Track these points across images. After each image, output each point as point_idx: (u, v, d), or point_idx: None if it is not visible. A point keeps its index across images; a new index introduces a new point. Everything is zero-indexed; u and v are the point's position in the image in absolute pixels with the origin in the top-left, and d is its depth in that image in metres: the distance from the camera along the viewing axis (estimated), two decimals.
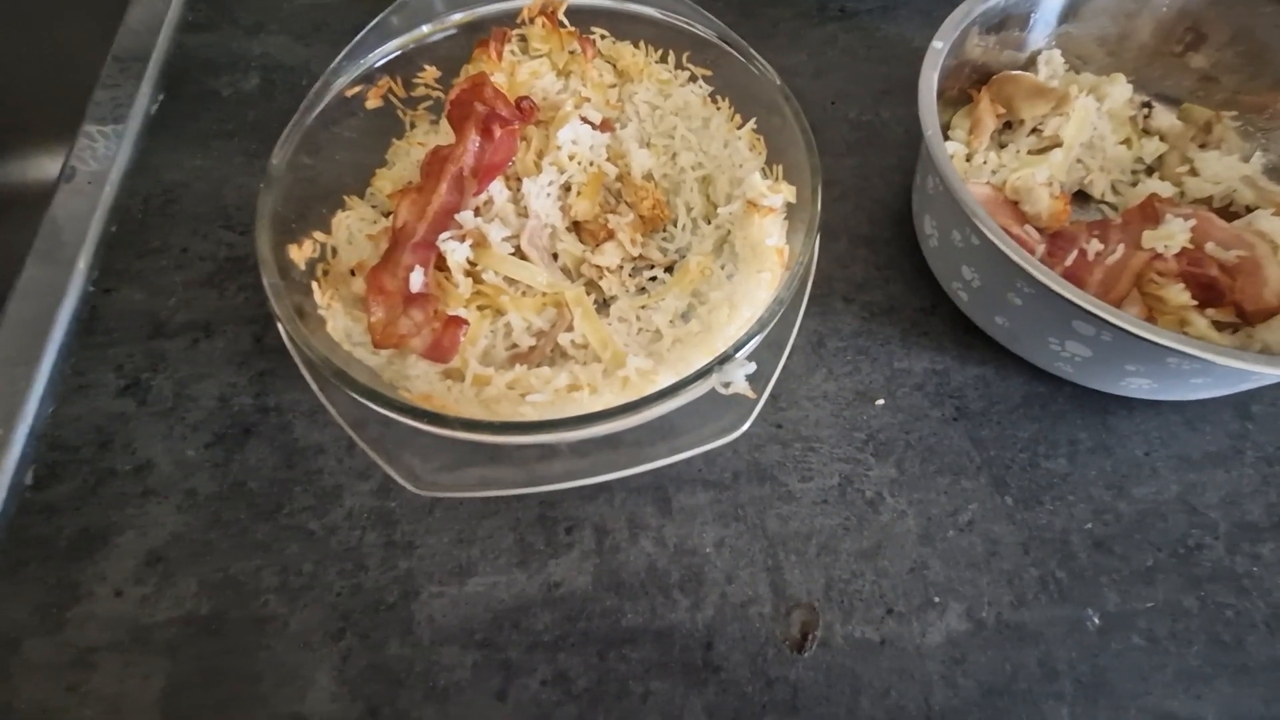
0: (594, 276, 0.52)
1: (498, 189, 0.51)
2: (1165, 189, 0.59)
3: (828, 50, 0.73)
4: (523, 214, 0.52)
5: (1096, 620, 0.48)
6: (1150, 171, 0.62)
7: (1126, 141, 0.61)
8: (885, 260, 0.61)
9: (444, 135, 0.54)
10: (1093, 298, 0.44)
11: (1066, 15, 0.62)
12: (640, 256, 0.54)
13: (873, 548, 0.50)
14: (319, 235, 0.49)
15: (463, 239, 0.49)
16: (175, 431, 0.51)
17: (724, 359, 0.41)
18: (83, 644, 0.45)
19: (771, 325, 0.43)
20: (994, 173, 0.59)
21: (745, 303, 0.47)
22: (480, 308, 0.49)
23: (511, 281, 0.50)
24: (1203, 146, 0.61)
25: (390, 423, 0.42)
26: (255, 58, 0.70)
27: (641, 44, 0.57)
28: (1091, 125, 0.60)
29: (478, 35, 0.55)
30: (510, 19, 0.56)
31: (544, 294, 0.50)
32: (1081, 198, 0.62)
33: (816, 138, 0.49)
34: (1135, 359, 0.48)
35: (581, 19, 0.56)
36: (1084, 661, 0.47)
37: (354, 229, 0.51)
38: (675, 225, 0.56)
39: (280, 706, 0.44)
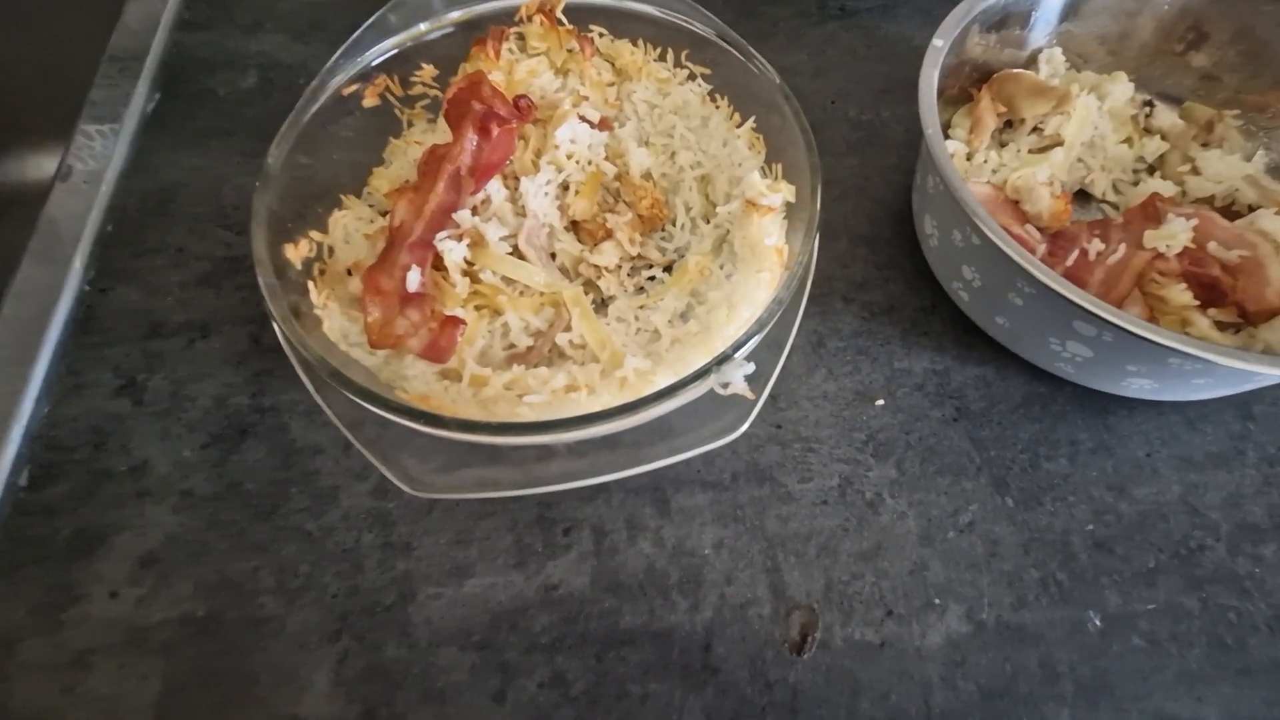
0: (592, 276, 0.52)
1: (495, 188, 0.51)
2: (1167, 188, 0.58)
3: (827, 49, 0.73)
4: (520, 213, 0.52)
5: (1098, 622, 0.48)
6: (1152, 171, 0.61)
7: (1128, 140, 0.61)
8: (885, 260, 0.61)
9: (441, 134, 0.54)
10: (1094, 298, 0.44)
11: (1067, 13, 0.62)
12: (639, 256, 0.53)
13: (872, 549, 0.49)
14: (315, 234, 0.49)
15: (460, 238, 0.49)
16: (172, 432, 0.51)
17: (722, 359, 0.41)
18: (79, 645, 0.45)
19: (770, 325, 0.42)
20: (994, 172, 0.59)
21: (744, 303, 0.47)
22: (478, 307, 0.49)
23: (509, 281, 0.50)
24: (1204, 145, 0.61)
25: (387, 423, 0.42)
26: (252, 56, 0.69)
27: (640, 42, 0.57)
28: (1093, 124, 0.59)
29: (475, 33, 0.55)
30: (508, 17, 0.55)
31: (542, 294, 0.50)
32: (1083, 197, 0.61)
33: (816, 137, 0.49)
34: (1137, 359, 0.47)
35: (580, 17, 0.56)
36: (1085, 663, 0.47)
37: (351, 228, 0.51)
38: (674, 225, 0.55)
39: (277, 708, 0.44)
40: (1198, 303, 0.50)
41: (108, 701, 0.44)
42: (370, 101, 0.53)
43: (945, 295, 0.57)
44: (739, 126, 0.55)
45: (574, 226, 0.54)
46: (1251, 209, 0.56)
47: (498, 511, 0.49)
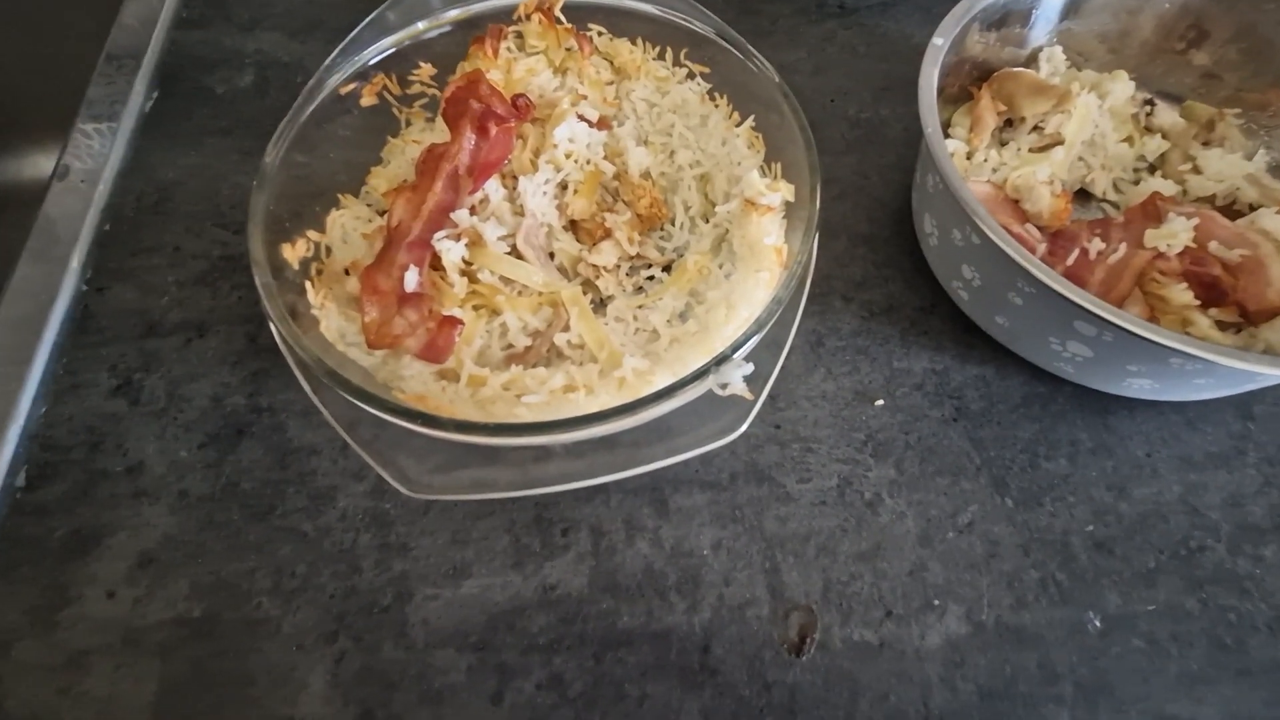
0: (591, 276, 0.52)
1: (494, 187, 0.51)
2: (1167, 187, 0.58)
3: (827, 47, 0.73)
4: (519, 213, 0.52)
5: (1097, 623, 0.48)
6: (1152, 169, 0.61)
7: (1128, 139, 0.61)
8: (885, 259, 0.60)
9: (440, 133, 0.53)
10: (1094, 297, 0.43)
11: (1068, 12, 0.62)
12: (638, 255, 0.53)
13: (871, 549, 0.49)
14: (313, 234, 0.48)
15: (458, 238, 0.49)
16: (168, 432, 0.51)
17: (721, 360, 0.40)
18: (75, 646, 0.45)
19: (769, 326, 0.42)
20: (994, 171, 0.58)
21: (743, 302, 0.47)
22: (476, 307, 0.49)
23: (507, 281, 0.50)
24: (1205, 144, 0.60)
25: (384, 424, 0.41)
26: (250, 54, 0.69)
27: (639, 41, 0.57)
28: (1093, 123, 0.59)
29: (474, 32, 0.55)
30: (507, 15, 0.55)
31: (540, 293, 0.50)
32: (1083, 196, 0.61)
33: (816, 135, 0.49)
34: (1137, 359, 0.47)
35: (578, 16, 0.56)
36: (1084, 664, 0.46)
37: (349, 228, 0.50)
38: (673, 224, 0.55)
39: (273, 709, 0.44)
40: (1198, 302, 0.50)
41: (104, 702, 0.44)
42: (368, 101, 0.53)
43: (945, 294, 0.57)
44: (738, 125, 0.54)
45: (572, 226, 0.54)
46: (1253, 208, 0.56)
47: (495, 512, 0.49)
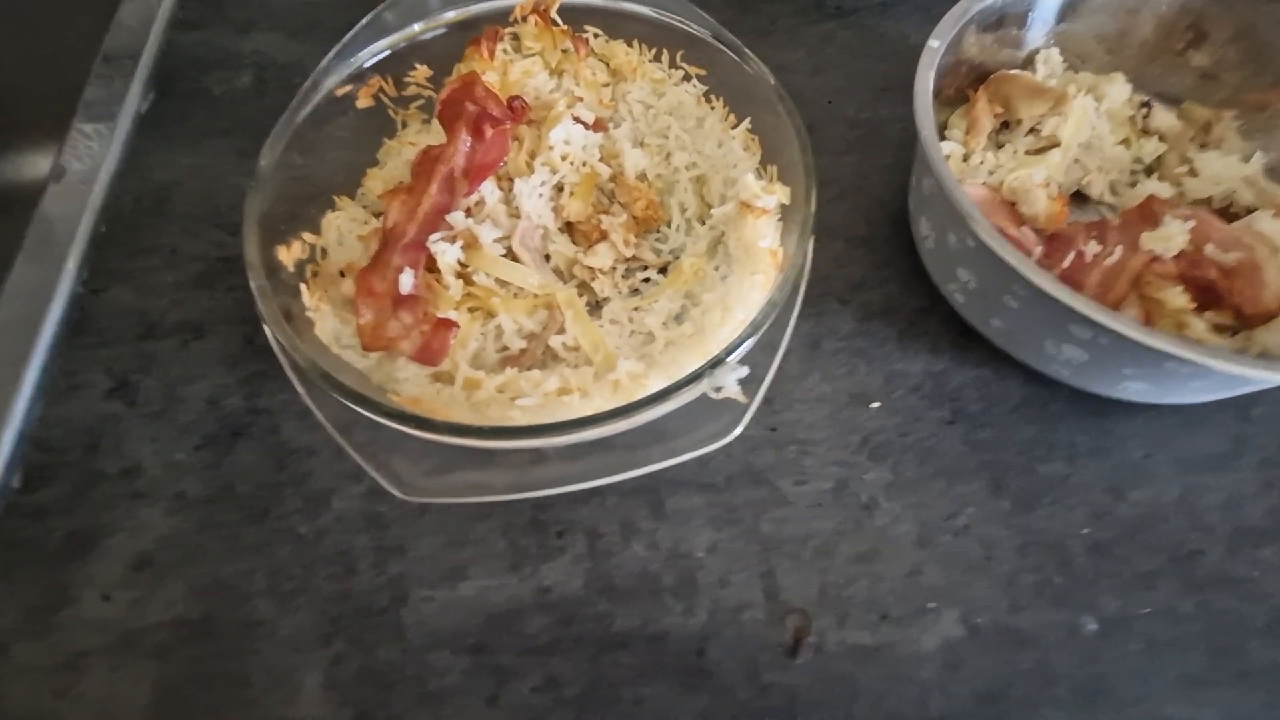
0: (586, 278, 0.52)
1: (489, 189, 0.51)
2: (1164, 189, 0.58)
3: (826, 47, 0.72)
4: (514, 215, 0.52)
5: (1094, 625, 0.47)
6: (1149, 172, 0.61)
7: (1125, 141, 0.61)
8: (882, 260, 0.60)
9: (436, 135, 0.53)
10: (1089, 301, 0.43)
11: (1065, 13, 0.61)
12: (633, 258, 0.53)
13: (868, 552, 0.49)
14: (308, 236, 0.48)
15: (454, 240, 0.49)
16: (165, 434, 0.51)
17: (715, 363, 0.40)
18: (71, 648, 0.45)
19: (763, 329, 0.42)
20: (991, 173, 0.58)
21: (738, 305, 0.47)
22: (471, 309, 0.49)
23: (503, 283, 0.50)
24: (1203, 146, 0.60)
25: (378, 426, 0.41)
26: (247, 55, 0.69)
27: (635, 43, 0.57)
28: (1090, 125, 0.59)
29: (470, 34, 0.55)
30: (503, 17, 0.55)
31: (535, 295, 0.50)
32: (1080, 198, 0.61)
33: (814, 136, 0.49)
34: (1132, 363, 0.47)
35: (574, 17, 0.56)
36: (1082, 667, 0.46)
37: (344, 229, 0.51)
38: (669, 226, 0.55)
39: (270, 711, 0.44)
40: (1194, 305, 0.50)
41: (100, 704, 0.44)
42: (364, 102, 0.53)
43: (942, 297, 0.57)
44: (734, 128, 0.54)
45: (568, 228, 0.54)
46: (1249, 211, 0.56)
47: (491, 514, 0.49)
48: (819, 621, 0.47)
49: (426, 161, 0.49)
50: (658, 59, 0.57)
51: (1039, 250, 0.53)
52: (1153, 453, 0.53)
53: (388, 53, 0.53)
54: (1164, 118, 0.61)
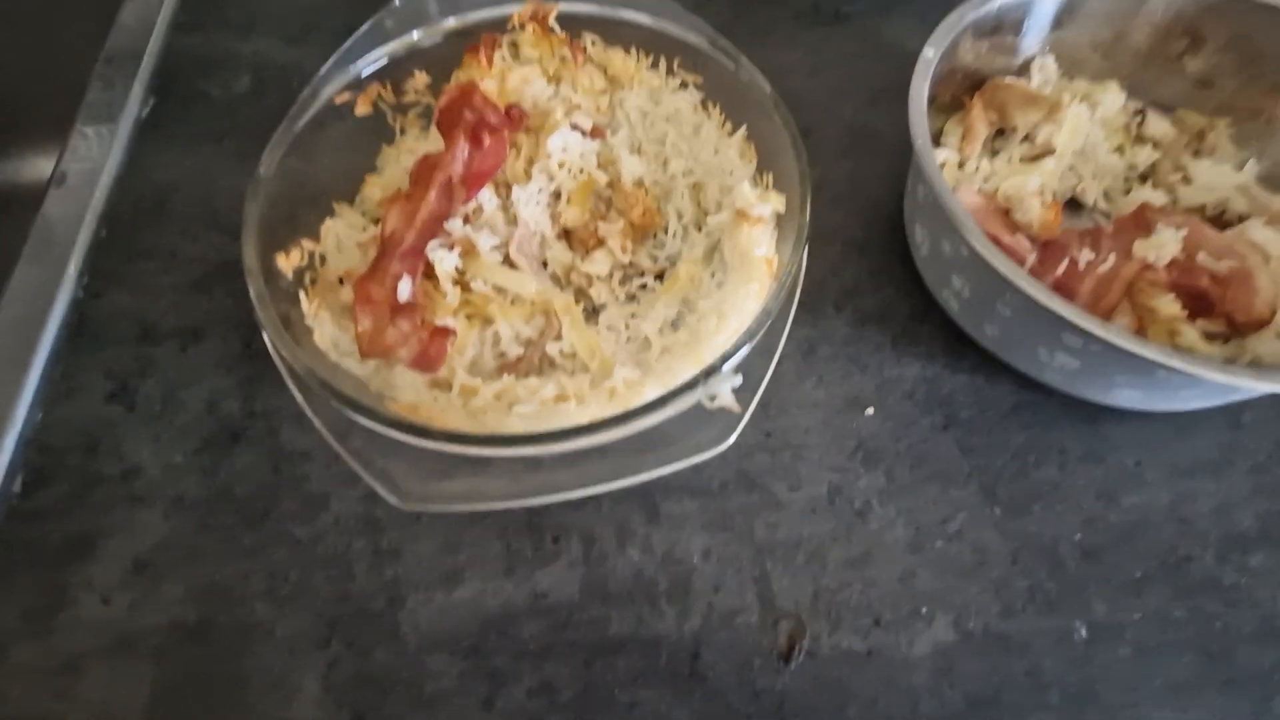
0: (583, 284, 0.52)
1: (487, 197, 0.51)
2: (1158, 197, 0.58)
3: (823, 52, 0.73)
4: (512, 222, 0.52)
5: (1084, 631, 0.48)
6: (1143, 179, 0.61)
7: (1119, 149, 0.61)
8: (877, 265, 0.61)
9: (434, 141, 0.54)
10: (1081, 311, 0.44)
11: (1060, 20, 0.62)
12: (630, 264, 0.54)
13: (861, 557, 0.50)
14: (307, 243, 0.49)
15: (452, 247, 0.49)
16: (163, 437, 0.51)
17: (709, 372, 0.41)
18: (70, 650, 0.45)
19: (758, 338, 0.43)
20: (986, 180, 0.59)
21: (734, 312, 0.47)
22: (469, 316, 0.49)
23: (500, 290, 0.50)
24: (1196, 154, 0.61)
25: (376, 432, 0.42)
26: (246, 58, 0.69)
27: (632, 50, 0.57)
28: (1084, 133, 0.59)
29: (468, 41, 0.55)
30: (501, 25, 0.55)
31: (533, 302, 0.50)
32: (1074, 205, 0.61)
33: (810, 141, 0.49)
34: (1124, 371, 0.48)
35: (572, 25, 0.56)
36: (1072, 673, 0.47)
37: (343, 236, 0.51)
38: (666, 232, 0.55)
39: (267, 713, 0.44)
40: (1186, 313, 0.50)
41: (99, 706, 0.44)
42: (363, 110, 0.53)
43: (935, 301, 0.57)
44: (731, 135, 0.55)
45: (565, 235, 0.54)
46: (1242, 218, 0.56)
47: (487, 518, 0.49)
48: (812, 626, 0.47)
49: (425, 169, 0.49)
50: (655, 66, 0.57)
51: (1033, 258, 0.54)
52: (1144, 459, 0.53)
53: (386, 60, 0.53)
54: (1158, 125, 0.62)
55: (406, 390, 0.46)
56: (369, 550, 0.48)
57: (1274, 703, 0.47)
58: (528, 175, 0.53)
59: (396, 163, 0.55)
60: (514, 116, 0.52)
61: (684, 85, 0.57)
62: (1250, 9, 0.59)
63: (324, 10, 0.73)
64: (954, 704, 0.46)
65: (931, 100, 0.53)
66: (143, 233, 0.59)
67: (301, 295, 0.47)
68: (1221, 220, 0.57)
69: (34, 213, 0.58)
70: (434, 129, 0.53)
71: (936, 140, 0.60)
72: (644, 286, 0.54)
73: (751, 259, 0.48)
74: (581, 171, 0.54)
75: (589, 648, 0.46)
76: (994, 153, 0.61)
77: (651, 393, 0.44)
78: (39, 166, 0.73)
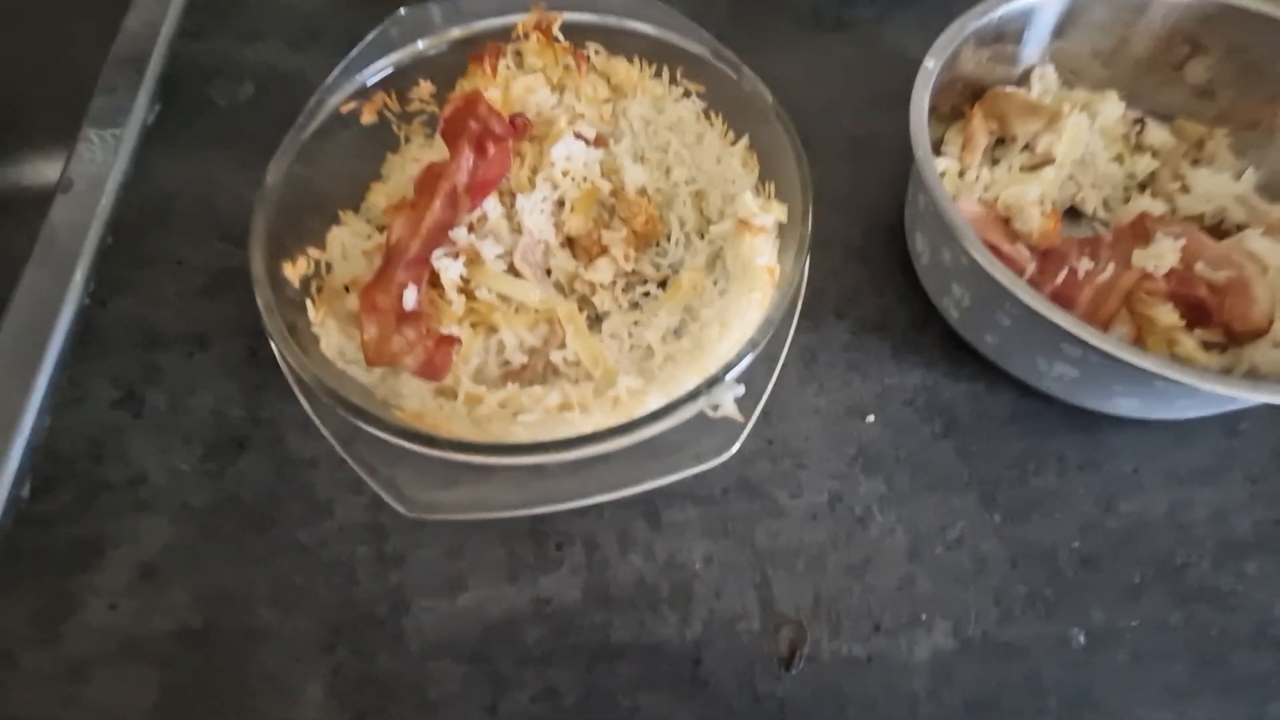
0: (586, 292, 0.53)
1: (492, 205, 0.52)
2: (1157, 206, 0.59)
3: (823, 60, 0.73)
4: (516, 230, 0.52)
5: (1082, 638, 0.48)
6: (1142, 188, 0.62)
7: (1118, 158, 0.61)
8: (878, 273, 0.61)
9: (439, 149, 0.54)
10: (1080, 322, 0.44)
11: (1060, 30, 0.62)
12: (633, 271, 0.54)
13: (861, 564, 0.50)
14: (314, 251, 0.49)
15: (456, 256, 0.50)
16: (170, 444, 0.52)
17: (713, 382, 0.41)
18: (77, 656, 0.46)
19: (761, 347, 0.43)
20: (986, 189, 0.59)
21: (736, 321, 0.48)
22: (473, 324, 0.50)
23: (504, 298, 0.51)
24: (1195, 163, 0.61)
25: (381, 439, 0.42)
26: (250, 65, 0.69)
27: (636, 59, 0.57)
28: (1084, 142, 0.60)
29: (473, 50, 0.55)
30: (506, 34, 0.56)
31: (536, 310, 0.50)
32: (1073, 213, 0.62)
33: (810, 149, 0.49)
34: (1122, 381, 0.48)
35: (576, 34, 0.56)
36: (1069, 678, 0.47)
37: (348, 244, 0.51)
38: (669, 240, 0.56)
39: (272, 717, 0.45)
40: (1184, 323, 0.51)
41: (105, 712, 0.44)
42: (368, 119, 0.53)
43: (936, 310, 0.57)
44: (733, 144, 0.55)
45: (569, 243, 0.54)
46: (1240, 228, 0.57)
47: (490, 525, 0.50)
48: (813, 632, 0.48)
49: (430, 178, 0.50)
50: (658, 75, 0.57)
51: (1032, 267, 0.54)
52: (1142, 466, 0.54)
53: (391, 69, 0.54)
54: (1157, 134, 0.62)
55: (412, 398, 0.46)
56: (373, 556, 0.49)
57: (1270, 707, 0.47)
58: (532, 184, 0.53)
59: (401, 170, 0.55)
60: (518, 126, 0.52)
61: (687, 94, 0.57)
62: (1249, 19, 0.59)
63: (327, 17, 0.73)
64: (953, 709, 0.46)
65: (932, 109, 0.53)
66: (148, 240, 0.60)
67: (308, 303, 0.47)
68: (1219, 229, 0.58)
69: (40, 219, 0.59)
70: (438, 137, 0.54)
71: (937, 149, 0.60)
72: (647, 294, 0.55)
73: (754, 268, 0.48)
74: (585, 180, 0.54)
75: (591, 653, 0.47)
76: (994, 162, 0.62)
77: (655, 401, 0.44)
78: (44, 172, 0.74)
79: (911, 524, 0.51)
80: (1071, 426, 0.55)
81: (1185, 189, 0.59)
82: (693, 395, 0.41)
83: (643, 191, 0.56)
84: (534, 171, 0.54)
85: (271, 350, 0.45)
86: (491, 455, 0.40)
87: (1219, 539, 0.52)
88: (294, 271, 0.47)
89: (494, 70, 0.55)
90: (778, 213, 0.49)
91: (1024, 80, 0.64)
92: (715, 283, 0.53)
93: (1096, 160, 0.60)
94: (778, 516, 0.51)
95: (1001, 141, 0.62)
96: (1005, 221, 0.57)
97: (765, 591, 0.49)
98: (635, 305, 0.54)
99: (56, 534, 0.49)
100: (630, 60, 0.57)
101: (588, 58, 0.57)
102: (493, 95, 0.54)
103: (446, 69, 0.56)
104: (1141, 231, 0.54)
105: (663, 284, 0.55)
